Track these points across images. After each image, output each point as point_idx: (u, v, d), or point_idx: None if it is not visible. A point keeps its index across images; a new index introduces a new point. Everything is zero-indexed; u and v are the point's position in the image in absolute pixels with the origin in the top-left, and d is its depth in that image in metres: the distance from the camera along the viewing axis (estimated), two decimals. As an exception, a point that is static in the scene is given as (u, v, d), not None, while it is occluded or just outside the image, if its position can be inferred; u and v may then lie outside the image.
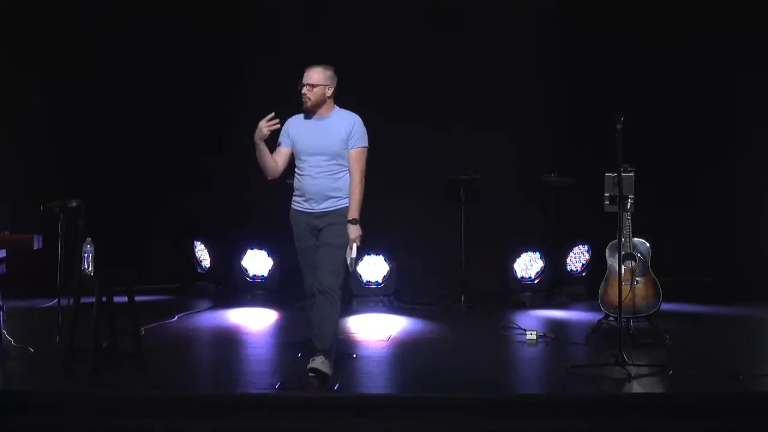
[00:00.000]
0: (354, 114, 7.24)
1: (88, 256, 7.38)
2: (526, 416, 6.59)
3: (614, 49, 10.48)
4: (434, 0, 10.46)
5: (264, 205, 10.61)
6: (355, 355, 7.45)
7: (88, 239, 7.41)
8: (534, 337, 8.50)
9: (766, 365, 7.91)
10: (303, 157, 7.19)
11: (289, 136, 7.25)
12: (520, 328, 8.91)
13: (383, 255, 10.14)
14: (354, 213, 7.11)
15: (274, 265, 10.45)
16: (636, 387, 7.03)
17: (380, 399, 6.85)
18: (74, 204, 7.96)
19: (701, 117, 10.66)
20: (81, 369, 7.20)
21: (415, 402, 6.74)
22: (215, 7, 10.70)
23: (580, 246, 10.63)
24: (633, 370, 7.20)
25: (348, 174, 7.16)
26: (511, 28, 10.43)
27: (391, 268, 10.04)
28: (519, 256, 10.38)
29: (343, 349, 7.49)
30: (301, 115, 7.29)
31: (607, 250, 8.44)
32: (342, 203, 7.15)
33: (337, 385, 6.94)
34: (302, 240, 7.23)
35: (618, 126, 7.39)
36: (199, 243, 10.89)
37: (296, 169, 7.26)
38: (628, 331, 8.18)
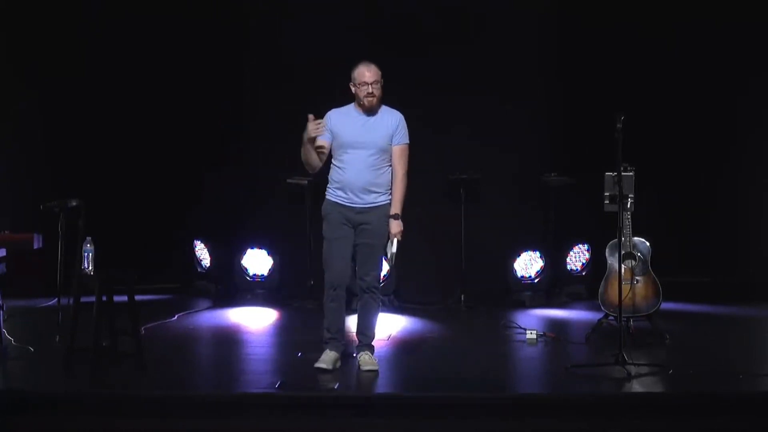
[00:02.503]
0: (397, 111, 7.32)
1: (88, 255, 7.36)
2: (526, 416, 6.59)
3: (614, 49, 10.47)
4: (435, 0, 10.47)
5: (264, 204, 10.63)
6: (355, 355, 7.45)
7: (88, 239, 7.40)
8: (534, 336, 8.50)
9: (766, 365, 7.92)
10: (347, 151, 7.21)
11: (330, 129, 7.22)
12: (520, 328, 8.91)
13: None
14: (396, 208, 7.24)
15: (274, 264, 10.44)
16: (636, 387, 7.03)
17: (380, 399, 6.85)
18: (74, 204, 7.95)
19: (701, 117, 10.66)
20: (81, 369, 7.19)
21: (415, 402, 6.73)
22: (215, 7, 10.70)
23: (580, 245, 10.62)
24: (633, 370, 7.19)
25: (389, 170, 7.22)
26: (511, 28, 10.42)
27: (390, 268, 10.03)
28: (519, 255, 10.38)
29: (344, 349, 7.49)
30: (344, 109, 7.31)
31: (607, 250, 8.43)
32: (383, 200, 7.25)
33: (337, 384, 6.95)
34: (336, 230, 7.24)
35: (618, 126, 7.39)
36: (199, 242, 10.88)
37: (336, 162, 7.26)
38: (628, 330, 8.17)
